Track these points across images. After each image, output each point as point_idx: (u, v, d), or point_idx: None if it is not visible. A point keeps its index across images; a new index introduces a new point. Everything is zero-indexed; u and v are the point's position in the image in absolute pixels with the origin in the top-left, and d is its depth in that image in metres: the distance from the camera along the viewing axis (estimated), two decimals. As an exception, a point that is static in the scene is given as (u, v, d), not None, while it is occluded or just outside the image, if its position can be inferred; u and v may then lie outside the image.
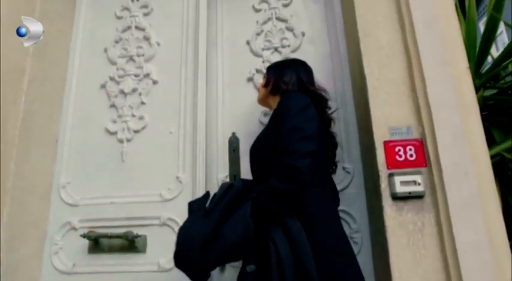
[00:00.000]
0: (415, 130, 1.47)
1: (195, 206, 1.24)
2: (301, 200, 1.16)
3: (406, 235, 1.36)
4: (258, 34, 1.99)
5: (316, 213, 1.19)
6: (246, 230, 1.09)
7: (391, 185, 1.41)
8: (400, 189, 1.39)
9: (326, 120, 1.43)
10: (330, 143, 1.46)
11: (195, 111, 1.87)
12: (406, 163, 1.43)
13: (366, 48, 1.58)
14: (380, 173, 1.44)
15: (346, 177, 1.70)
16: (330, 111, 1.47)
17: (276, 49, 1.96)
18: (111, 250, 1.74)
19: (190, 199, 1.75)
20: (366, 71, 1.55)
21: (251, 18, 2.02)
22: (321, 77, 1.70)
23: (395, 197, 1.39)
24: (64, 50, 2.05)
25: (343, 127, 1.76)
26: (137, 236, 1.69)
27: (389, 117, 1.49)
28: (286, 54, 1.93)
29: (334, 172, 1.52)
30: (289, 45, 1.94)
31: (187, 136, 1.86)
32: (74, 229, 1.79)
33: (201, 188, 1.75)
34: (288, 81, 1.41)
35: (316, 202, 1.22)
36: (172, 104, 1.92)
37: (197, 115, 1.85)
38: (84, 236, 1.70)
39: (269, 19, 2.00)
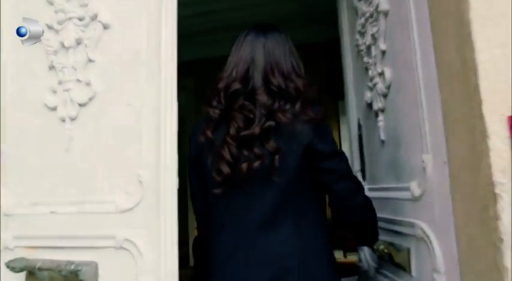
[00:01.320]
0: None
1: None
2: None
3: None
4: None
5: None
6: None
7: (525, 219, 0.61)
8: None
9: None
10: None
11: (159, 68, 1.18)
12: None
13: None
14: (496, 190, 0.64)
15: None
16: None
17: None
18: (53, 280, 1.20)
19: (154, 209, 1.12)
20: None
21: None
22: None
23: (538, 250, 0.60)
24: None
25: (412, 91, 0.92)
26: (76, 270, 1.11)
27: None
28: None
29: None
30: None
31: (152, 110, 1.18)
32: (8, 249, 1.27)
33: (167, 192, 1.11)
34: None
35: None
36: (130, 59, 1.23)
37: (161, 74, 1.16)
38: (7, 266, 1.17)
39: None
